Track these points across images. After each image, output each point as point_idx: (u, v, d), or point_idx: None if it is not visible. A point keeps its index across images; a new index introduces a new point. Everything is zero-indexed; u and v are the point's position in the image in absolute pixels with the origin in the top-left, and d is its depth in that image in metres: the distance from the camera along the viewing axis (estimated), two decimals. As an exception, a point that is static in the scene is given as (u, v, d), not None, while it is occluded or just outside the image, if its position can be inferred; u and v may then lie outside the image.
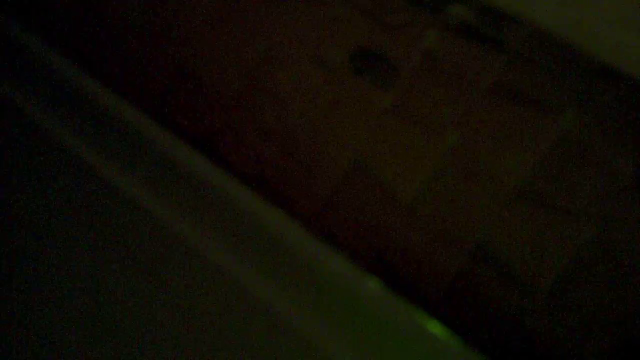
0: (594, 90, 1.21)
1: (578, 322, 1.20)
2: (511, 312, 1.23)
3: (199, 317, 1.40)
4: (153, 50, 1.55)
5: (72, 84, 1.57)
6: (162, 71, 1.54)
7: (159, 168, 1.47)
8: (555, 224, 1.22)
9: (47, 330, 1.51)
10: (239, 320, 1.37)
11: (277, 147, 1.42)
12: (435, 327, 1.24)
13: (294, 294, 1.34)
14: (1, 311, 1.56)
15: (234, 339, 1.37)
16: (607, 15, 1.20)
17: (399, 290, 1.31)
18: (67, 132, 1.57)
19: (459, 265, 1.27)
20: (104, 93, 1.54)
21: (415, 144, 1.32)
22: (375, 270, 1.33)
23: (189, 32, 1.52)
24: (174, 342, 1.42)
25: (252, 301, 1.36)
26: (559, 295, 1.21)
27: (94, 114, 1.55)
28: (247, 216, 1.39)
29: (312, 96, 1.40)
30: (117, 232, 1.49)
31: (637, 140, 1.18)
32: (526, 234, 1.23)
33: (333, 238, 1.36)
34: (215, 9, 1.50)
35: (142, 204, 1.47)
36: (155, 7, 1.56)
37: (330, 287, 1.31)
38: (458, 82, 1.29)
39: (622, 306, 1.17)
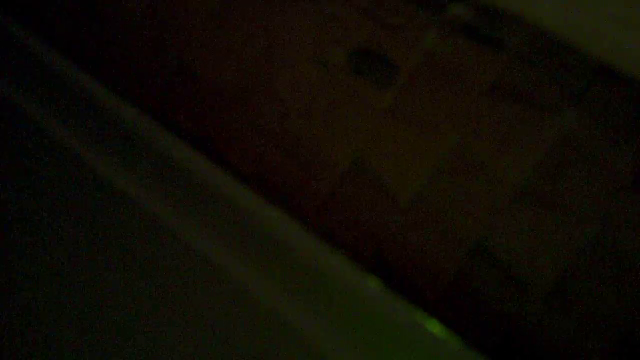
0: (593, 90, 1.21)
1: (578, 322, 1.19)
2: (511, 312, 1.23)
3: (198, 317, 1.40)
4: (153, 50, 1.55)
5: (72, 84, 1.58)
6: (162, 71, 1.54)
7: (159, 168, 1.47)
8: (555, 224, 1.22)
9: (45, 330, 1.51)
10: (238, 320, 1.37)
11: (276, 146, 1.42)
12: (434, 327, 1.24)
13: (292, 293, 1.34)
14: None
15: (232, 338, 1.37)
16: (607, 15, 1.20)
17: (398, 290, 1.31)
18: (67, 132, 1.57)
19: (459, 264, 1.27)
20: (104, 93, 1.54)
21: (414, 144, 1.32)
22: (375, 269, 1.33)
23: (189, 32, 1.52)
24: (172, 342, 1.42)
25: (251, 300, 1.36)
26: (559, 295, 1.21)
27: (94, 114, 1.55)
28: (246, 216, 1.39)
29: (312, 96, 1.40)
30: (116, 231, 1.49)
31: (637, 140, 1.18)
32: (526, 234, 1.23)
33: (332, 238, 1.36)
34: (215, 9, 1.51)
35: (142, 204, 1.47)
36: (155, 7, 1.56)
37: (329, 287, 1.31)
38: (458, 82, 1.29)
39: (622, 306, 1.17)
